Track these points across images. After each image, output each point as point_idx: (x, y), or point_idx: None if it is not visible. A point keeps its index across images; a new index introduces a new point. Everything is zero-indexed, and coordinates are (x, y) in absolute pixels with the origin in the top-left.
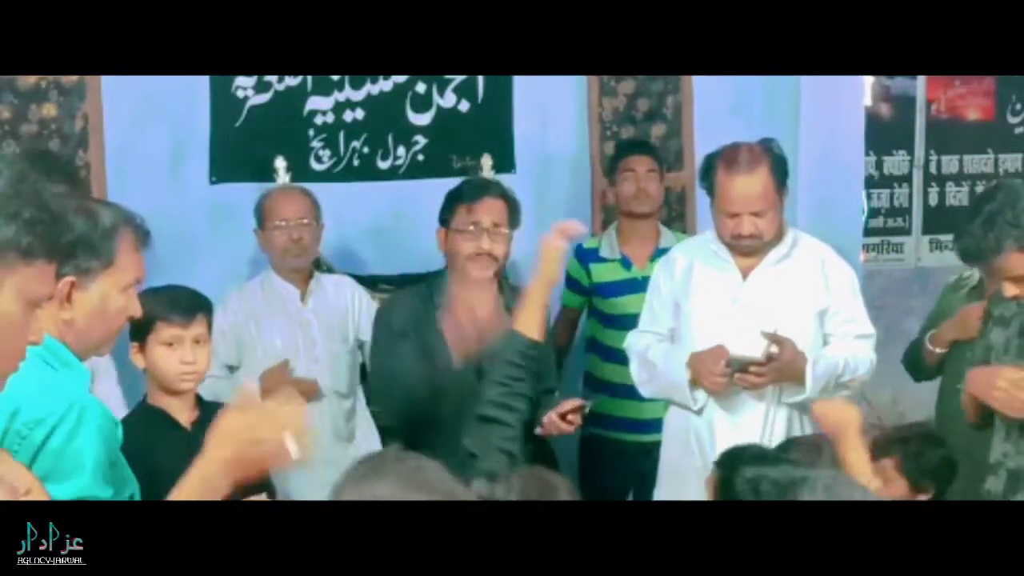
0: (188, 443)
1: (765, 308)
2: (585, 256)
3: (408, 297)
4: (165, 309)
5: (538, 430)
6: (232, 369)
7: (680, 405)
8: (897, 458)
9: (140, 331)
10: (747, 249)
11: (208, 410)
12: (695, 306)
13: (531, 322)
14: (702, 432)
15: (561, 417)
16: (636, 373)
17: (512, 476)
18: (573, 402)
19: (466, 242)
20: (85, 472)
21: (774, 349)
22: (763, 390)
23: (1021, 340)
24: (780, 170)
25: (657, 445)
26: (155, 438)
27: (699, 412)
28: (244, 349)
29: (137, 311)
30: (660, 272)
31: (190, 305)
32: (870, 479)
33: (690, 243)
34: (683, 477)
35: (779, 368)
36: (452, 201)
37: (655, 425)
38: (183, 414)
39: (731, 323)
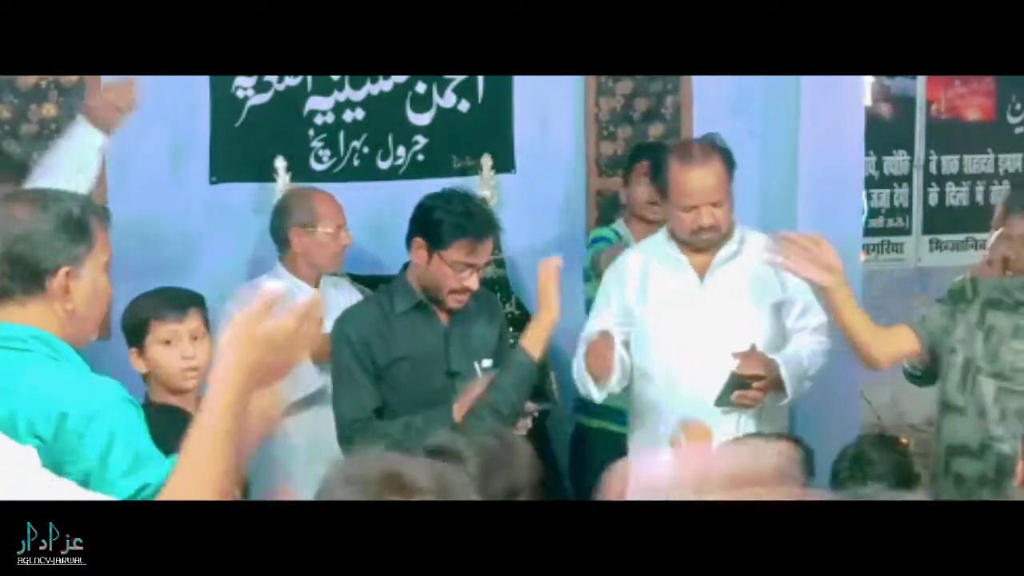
0: None
1: (725, 307)
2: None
3: (365, 307)
4: (157, 308)
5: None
6: None
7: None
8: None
9: (136, 335)
10: (705, 243)
11: None
12: (653, 309)
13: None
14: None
15: None
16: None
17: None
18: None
19: (456, 278)
20: (158, 458)
21: (758, 371)
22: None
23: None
24: (730, 162)
25: None
26: (170, 434)
27: (600, 401)
28: None
29: (111, 289)
30: (611, 278)
31: (181, 301)
32: None
33: (643, 246)
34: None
35: (772, 380)
36: (449, 230)
37: None
38: (189, 406)
39: (691, 323)
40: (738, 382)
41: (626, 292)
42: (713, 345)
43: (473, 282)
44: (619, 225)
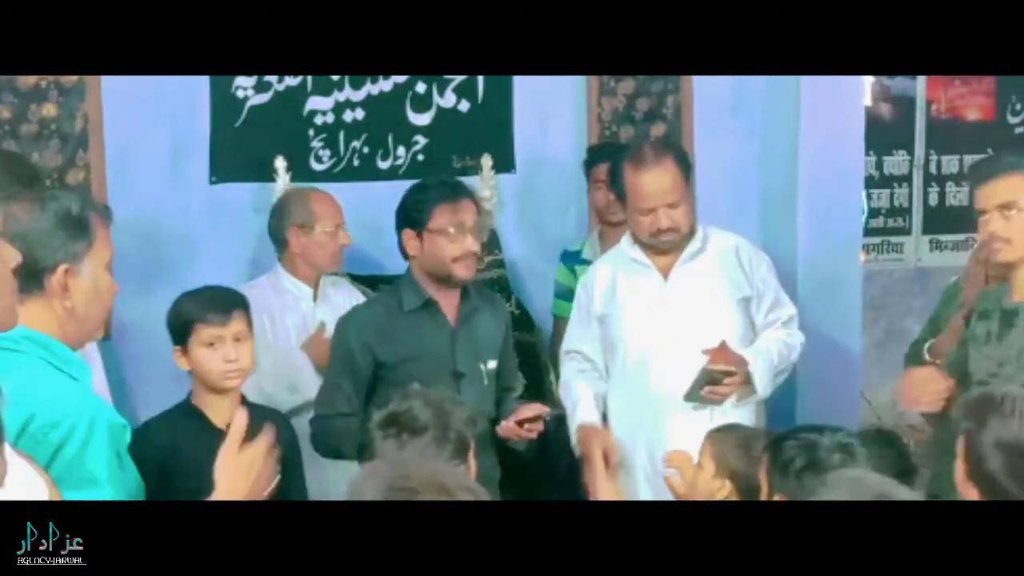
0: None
1: (691, 304)
2: (570, 259)
3: (370, 308)
4: (202, 310)
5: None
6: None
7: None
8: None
9: (181, 334)
10: (667, 245)
11: (249, 412)
12: (623, 316)
13: None
14: (653, 439)
15: (519, 424)
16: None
17: None
18: (532, 409)
19: (451, 244)
20: (100, 483)
21: (729, 366)
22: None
23: (1001, 330)
24: (684, 163)
25: None
26: (188, 439)
27: None
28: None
29: (117, 287)
30: (580, 291)
31: (226, 304)
32: None
33: (608, 256)
34: (634, 476)
35: (743, 376)
36: (426, 203)
37: None
38: (223, 415)
39: (660, 325)
40: (709, 377)
41: (595, 303)
42: (681, 341)
43: (471, 243)
44: (592, 240)
